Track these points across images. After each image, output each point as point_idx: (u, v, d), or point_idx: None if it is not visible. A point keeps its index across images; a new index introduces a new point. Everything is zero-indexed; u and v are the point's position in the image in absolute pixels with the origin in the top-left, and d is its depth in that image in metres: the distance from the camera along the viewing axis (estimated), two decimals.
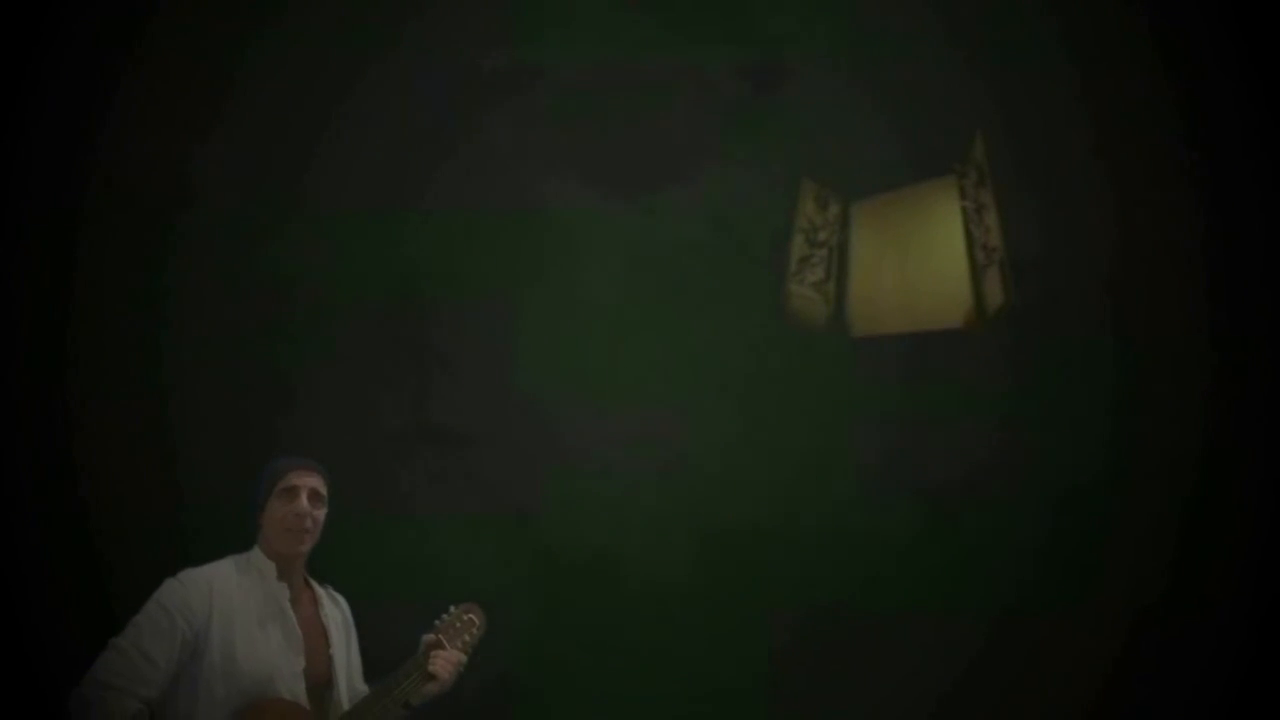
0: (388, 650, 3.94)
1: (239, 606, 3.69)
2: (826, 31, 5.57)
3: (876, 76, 5.57)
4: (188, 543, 4.95)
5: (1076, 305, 5.54)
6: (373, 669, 3.96)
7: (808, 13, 5.57)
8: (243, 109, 5.51)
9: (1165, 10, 5.43)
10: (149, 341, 5.47)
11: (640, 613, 5.48)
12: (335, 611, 3.90)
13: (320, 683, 3.77)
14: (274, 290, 5.54)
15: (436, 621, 3.88)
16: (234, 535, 3.88)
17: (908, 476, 5.57)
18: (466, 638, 3.88)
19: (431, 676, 3.77)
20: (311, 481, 3.83)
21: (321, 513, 3.83)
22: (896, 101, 5.58)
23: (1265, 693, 5.24)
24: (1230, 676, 5.29)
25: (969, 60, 5.54)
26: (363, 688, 3.90)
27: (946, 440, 5.56)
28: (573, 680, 5.44)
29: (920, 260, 5.68)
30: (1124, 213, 5.51)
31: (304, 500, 3.78)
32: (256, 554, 3.81)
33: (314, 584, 3.91)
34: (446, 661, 3.79)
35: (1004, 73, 5.54)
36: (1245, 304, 5.45)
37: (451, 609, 3.91)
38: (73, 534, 5.30)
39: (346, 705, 3.79)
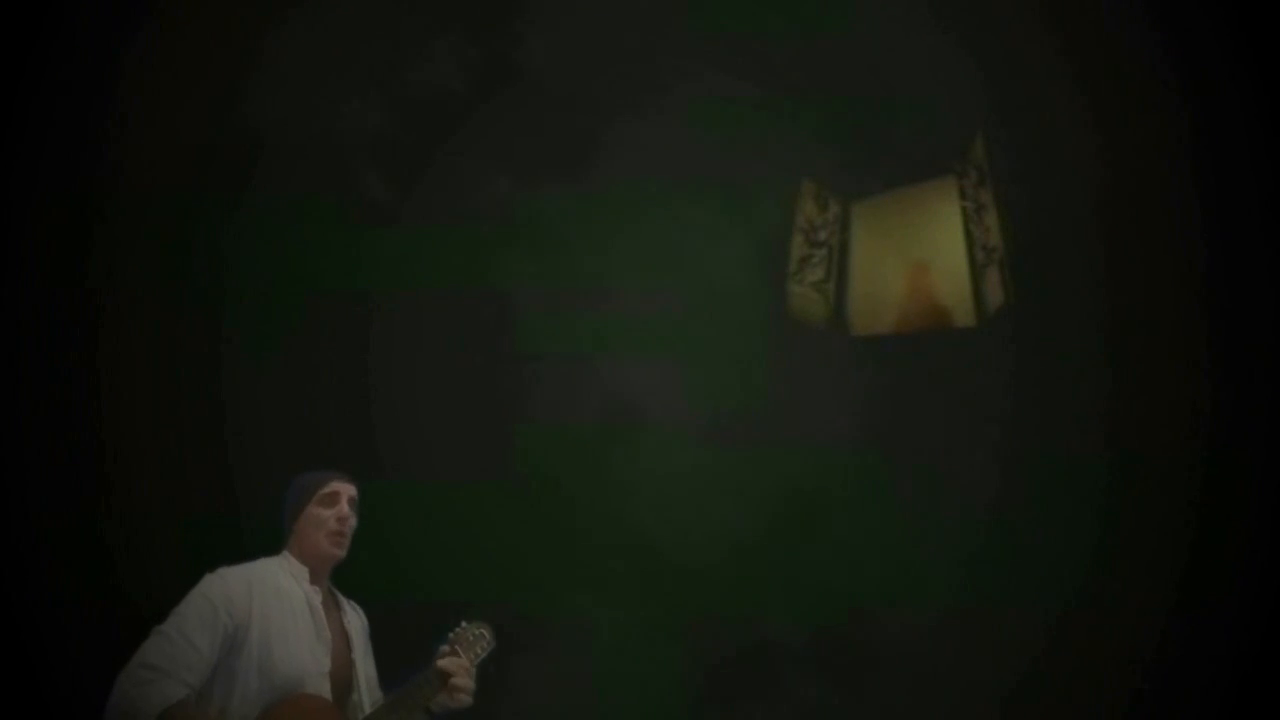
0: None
1: (276, 606, 3.75)
2: (825, 30, 5.57)
3: (877, 76, 5.57)
4: (199, 546, 5.04)
5: (1075, 305, 5.54)
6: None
7: (807, 12, 5.58)
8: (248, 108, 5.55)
9: (1167, 9, 5.41)
10: (167, 341, 5.52)
11: (642, 612, 5.51)
12: (355, 619, 3.98)
13: (342, 685, 3.83)
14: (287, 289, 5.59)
15: (450, 634, 3.94)
16: (234, 541, 3.94)
17: (907, 476, 5.58)
18: (479, 650, 3.97)
19: (448, 676, 3.83)
20: (350, 490, 3.96)
21: (354, 518, 3.97)
22: (897, 101, 5.57)
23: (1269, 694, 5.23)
24: (1232, 680, 5.28)
25: (969, 60, 5.54)
26: (380, 695, 3.94)
27: (946, 440, 5.56)
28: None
29: (920, 260, 5.67)
30: (1124, 212, 5.51)
31: (345, 505, 3.92)
32: (287, 558, 3.89)
33: (336, 592, 3.99)
34: (460, 667, 3.86)
35: (1004, 73, 5.53)
36: (1243, 303, 5.45)
37: (464, 623, 4.00)
38: (85, 537, 5.35)
39: (367, 708, 3.84)
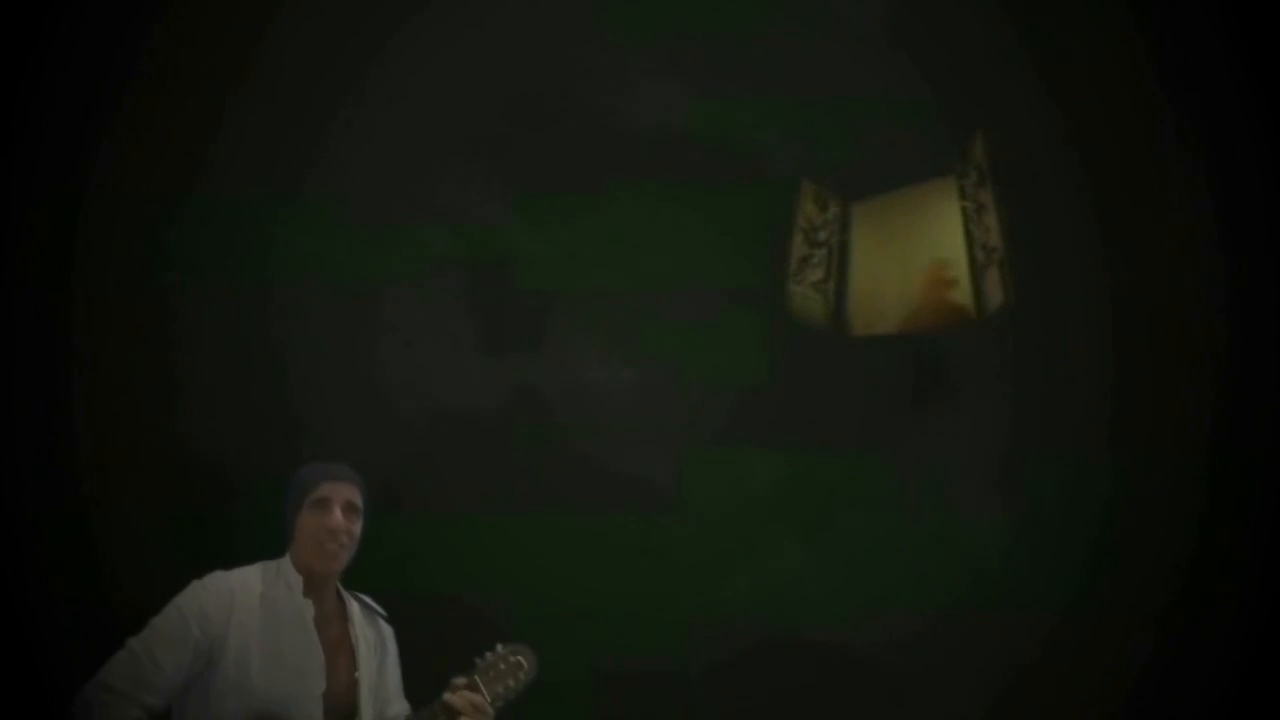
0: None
1: (260, 620, 3.50)
2: (825, 30, 5.57)
3: (876, 76, 5.57)
4: (189, 543, 5.02)
5: (1076, 305, 5.54)
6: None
7: (807, 11, 5.58)
8: (249, 105, 5.53)
9: (1168, 9, 5.42)
10: (153, 334, 5.48)
11: (634, 605, 5.50)
12: (369, 630, 3.66)
13: (343, 709, 3.54)
14: (278, 285, 5.56)
15: (477, 659, 3.58)
16: (236, 536, 3.86)
17: (907, 476, 5.57)
18: (511, 683, 3.57)
19: (455, 715, 3.47)
20: (346, 493, 3.58)
21: (358, 526, 3.59)
22: (897, 101, 5.57)
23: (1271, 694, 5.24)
24: (1236, 679, 5.28)
25: (969, 60, 5.54)
26: (401, 708, 3.66)
27: (946, 440, 5.56)
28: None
29: (920, 260, 5.67)
30: (1124, 211, 5.51)
31: (338, 514, 3.55)
32: (286, 564, 3.59)
33: (348, 597, 3.68)
34: (471, 705, 3.48)
35: (1004, 73, 5.53)
36: (1246, 302, 5.46)
37: (499, 647, 3.61)
38: (73, 533, 5.31)
39: None
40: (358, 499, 3.60)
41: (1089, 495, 5.49)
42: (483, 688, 3.50)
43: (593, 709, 5.40)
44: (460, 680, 3.52)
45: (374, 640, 3.66)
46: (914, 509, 5.58)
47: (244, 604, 3.49)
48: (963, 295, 5.63)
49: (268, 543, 3.72)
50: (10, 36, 5.27)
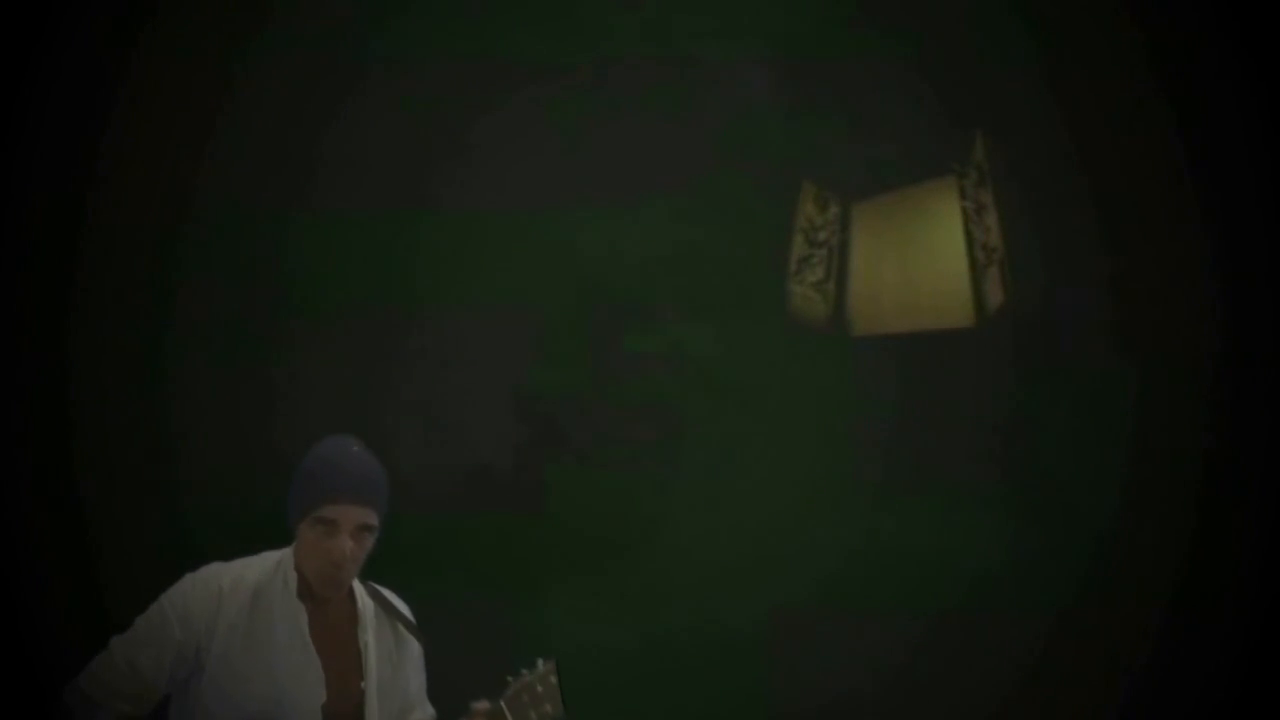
0: None
1: (250, 621, 3.19)
2: (825, 30, 5.58)
3: (876, 76, 5.57)
4: (185, 542, 5.01)
5: (1076, 305, 5.54)
6: None
7: (806, 11, 5.58)
8: (244, 107, 5.52)
9: (1167, 10, 5.43)
10: (147, 339, 5.47)
11: (635, 609, 5.49)
12: (384, 633, 3.30)
13: (348, 719, 3.23)
14: (273, 289, 5.54)
15: (510, 678, 3.17)
16: (231, 532, 3.82)
17: (907, 477, 5.57)
18: (549, 708, 3.13)
19: None
20: (358, 517, 3.14)
21: (370, 542, 3.20)
22: (896, 102, 5.57)
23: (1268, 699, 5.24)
24: (1233, 684, 5.28)
25: (968, 60, 5.55)
26: (423, 716, 3.36)
27: (946, 440, 5.56)
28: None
29: (920, 260, 5.67)
30: (1124, 212, 5.52)
31: (345, 539, 3.14)
32: (288, 557, 3.24)
33: (362, 596, 3.30)
34: None
35: (1003, 73, 5.54)
36: (1247, 304, 5.47)
37: (539, 664, 3.18)
38: (70, 533, 5.30)
39: None
40: (373, 518, 3.19)
41: (1088, 496, 5.48)
42: (508, 715, 3.12)
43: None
44: (482, 705, 3.16)
45: (389, 645, 3.32)
46: (913, 509, 5.56)
47: (234, 603, 3.18)
48: (963, 295, 5.63)
49: (268, 539, 3.51)
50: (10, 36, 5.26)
